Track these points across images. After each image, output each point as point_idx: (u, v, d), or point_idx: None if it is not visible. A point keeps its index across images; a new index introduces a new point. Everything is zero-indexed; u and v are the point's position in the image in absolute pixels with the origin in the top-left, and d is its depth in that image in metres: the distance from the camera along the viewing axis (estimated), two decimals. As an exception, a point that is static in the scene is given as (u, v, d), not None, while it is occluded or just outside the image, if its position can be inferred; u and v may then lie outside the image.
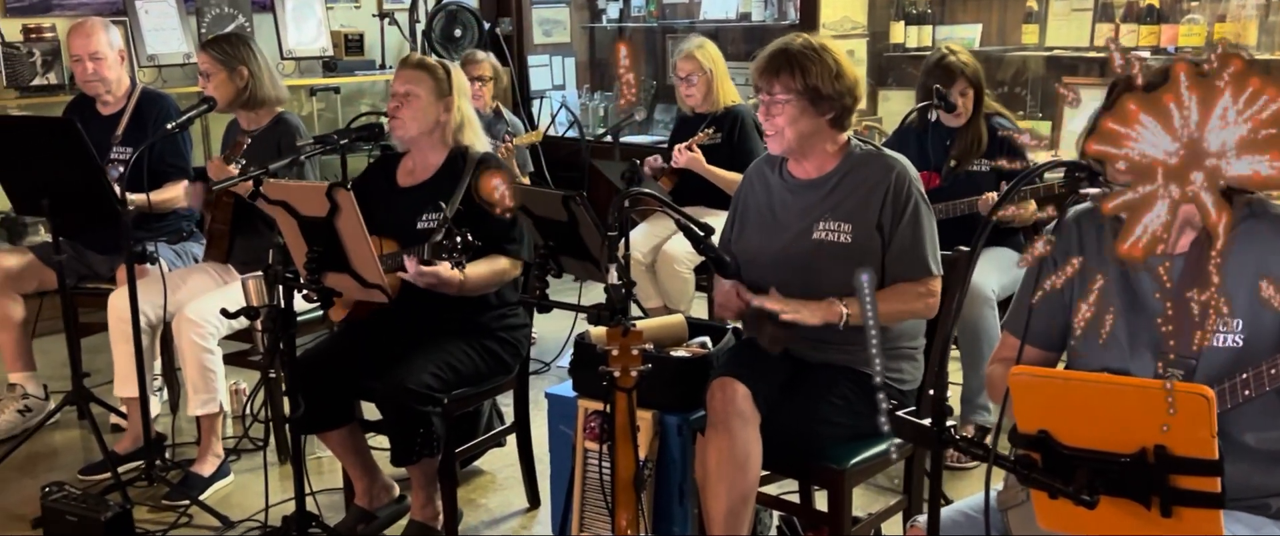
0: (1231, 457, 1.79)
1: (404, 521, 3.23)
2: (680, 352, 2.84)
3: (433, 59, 3.18)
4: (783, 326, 2.54)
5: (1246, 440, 1.82)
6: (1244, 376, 1.74)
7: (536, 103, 6.75)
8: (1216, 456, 1.44)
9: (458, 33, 6.31)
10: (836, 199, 2.63)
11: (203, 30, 5.70)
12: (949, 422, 1.62)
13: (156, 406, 3.95)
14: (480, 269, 2.98)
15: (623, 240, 3.96)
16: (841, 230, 2.60)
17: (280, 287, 2.70)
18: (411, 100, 3.09)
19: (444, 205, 2.93)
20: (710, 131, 4.40)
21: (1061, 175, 3.09)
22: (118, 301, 3.58)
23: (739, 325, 2.93)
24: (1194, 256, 1.85)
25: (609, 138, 5.07)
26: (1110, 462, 1.49)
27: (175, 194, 3.92)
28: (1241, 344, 1.80)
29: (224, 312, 2.88)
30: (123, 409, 3.88)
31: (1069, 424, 1.52)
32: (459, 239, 2.74)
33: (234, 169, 3.43)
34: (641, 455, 2.71)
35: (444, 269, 2.83)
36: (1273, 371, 1.71)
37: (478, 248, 2.80)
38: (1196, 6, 4.41)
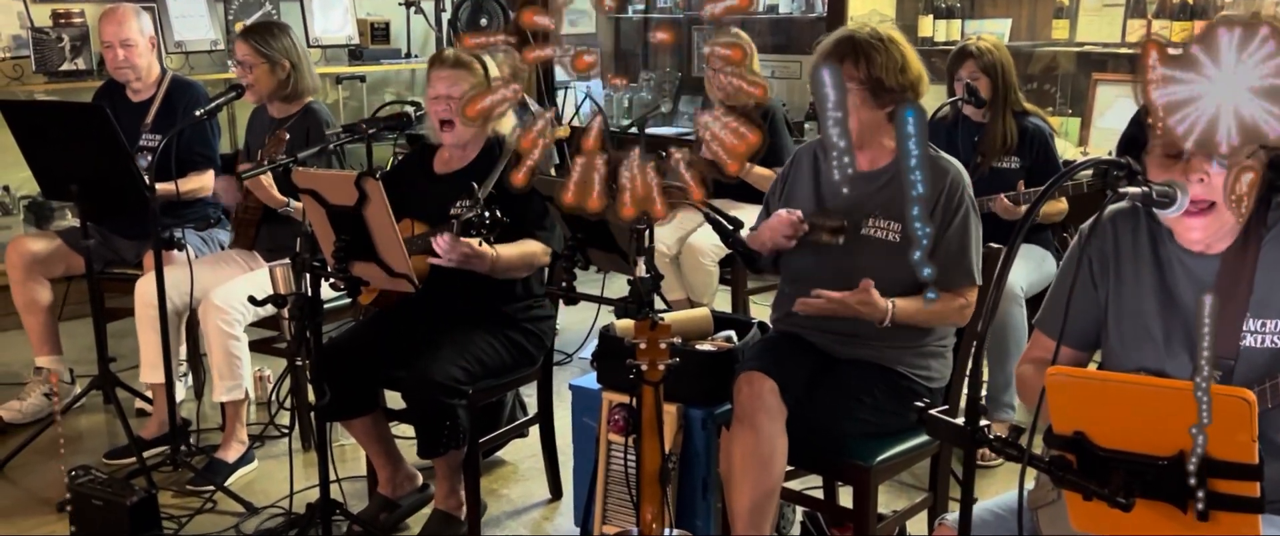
0: (1272, 459, 1.77)
1: (427, 510, 3.24)
2: (705, 346, 2.83)
3: (467, 54, 3.16)
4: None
5: (1283, 442, 1.80)
6: None
7: (561, 93, 6.74)
8: (1256, 461, 1.42)
9: (484, 21, 6.30)
10: (888, 195, 2.58)
11: (230, 17, 5.71)
12: (983, 422, 1.60)
13: (182, 392, 3.97)
14: (512, 250, 2.97)
15: (650, 232, 3.97)
16: (891, 229, 2.57)
17: (307, 276, 2.70)
18: (455, 101, 3.06)
19: (476, 185, 2.92)
20: (739, 124, 4.37)
21: (1089, 174, 3.08)
22: (144, 287, 3.60)
23: (764, 318, 2.92)
24: (1231, 257, 1.83)
25: (634, 129, 5.06)
26: (1147, 465, 1.48)
27: (202, 183, 3.93)
28: None
29: (251, 300, 2.89)
30: (148, 394, 3.90)
31: (1105, 425, 1.51)
32: (488, 215, 2.72)
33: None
34: (666, 448, 2.70)
35: (475, 243, 2.81)
36: None
37: (506, 225, 2.78)
38: (1231, 2, 4.36)
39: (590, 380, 2.99)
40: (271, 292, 2.84)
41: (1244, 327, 1.80)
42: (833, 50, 2.54)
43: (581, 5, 6.98)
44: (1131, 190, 1.71)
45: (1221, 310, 1.80)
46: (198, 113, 3.49)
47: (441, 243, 2.83)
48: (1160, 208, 1.76)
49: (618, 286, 3.99)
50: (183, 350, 3.98)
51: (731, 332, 2.92)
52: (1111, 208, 1.97)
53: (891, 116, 2.56)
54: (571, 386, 3.05)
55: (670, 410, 2.71)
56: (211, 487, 3.44)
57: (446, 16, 6.26)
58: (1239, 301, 1.80)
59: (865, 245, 2.57)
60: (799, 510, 3.05)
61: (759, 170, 4.23)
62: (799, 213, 2.58)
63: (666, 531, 2.36)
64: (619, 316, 2.40)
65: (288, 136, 3.58)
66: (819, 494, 3.02)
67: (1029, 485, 1.95)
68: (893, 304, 2.47)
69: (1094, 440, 1.51)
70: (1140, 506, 1.50)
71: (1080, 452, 1.52)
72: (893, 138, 2.61)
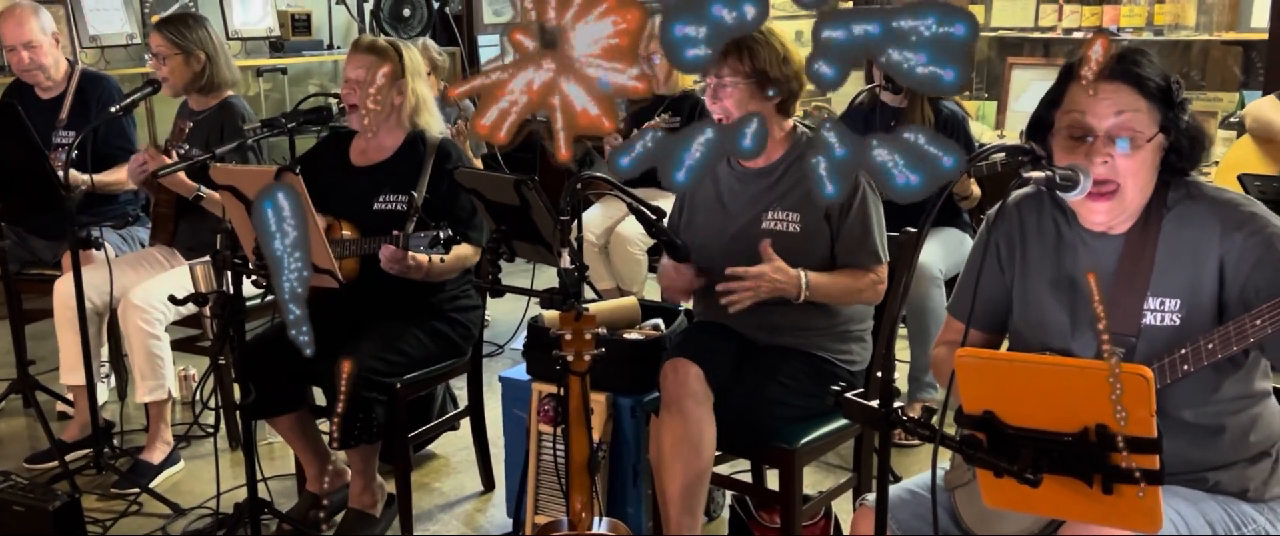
0: (1170, 433, 1.84)
1: (358, 506, 3.23)
2: (633, 335, 2.86)
3: (384, 40, 3.15)
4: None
5: (1184, 416, 1.87)
6: (1183, 352, 1.78)
7: (487, 83, 6.70)
8: (1156, 434, 1.48)
9: (406, 12, 6.26)
10: (784, 187, 2.65)
11: (146, 9, 5.60)
12: (896, 403, 1.64)
13: (104, 393, 3.91)
14: (449, 259, 2.97)
15: (575, 223, 3.99)
16: (790, 220, 2.62)
17: (228, 273, 2.67)
18: (367, 86, 3.05)
19: (413, 194, 2.92)
20: (667, 116, 4.40)
21: (1002, 156, 3.16)
22: (63, 288, 3.53)
23: (689, 306, 2.96)
24: (1133, 237, 1.89)
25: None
26: (1053, 442, 1.53)
27: (120, 176, 3.86)
28: (1180, 322, 1.84)
29: (172, 299, 2.86)
30: (69, 396, 3.84)
31: (1013, 404, 1.55)
32: (442, 235, 2.75)
33: (171, 158, 3.35)
34: (595, 438, 2.72)
35: (423, 259, 2.83)
36: (1210, 346, 1.75)
37: (456, 241, 2.80)
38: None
39: (520, 371, 3.00)
40: (192, 291, 2.81)
41: (1145, 306, 1.86)
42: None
43: (506, -5, 6.96)
44: (1035, 174, 1.76)
45: (1123, 289, 1.87)
46: (113, 108, 3.43)
47: (386, 255, 2.83)
48: (1064, 191, 1.81)
49: (548, 276, 4.00)
50: (104, 351, 3.91)
51: (659, 320, 2.95)
52: (1017, 192, 2.03)
53: (780, 107, 2.61)
54: (501, 378, 3.06)
55: (599, 399, 2.73)
56: (136, 490, 3.39)
57: (369, 7, 6.21)
58: (1140, 281, 1.86)
59: (767, 237, 2.61)
60: (728, 494, 3.09)
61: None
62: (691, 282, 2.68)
63: (596, 520, 2.38)
64: (546, 308, 2.41)
65: (189, 126, 3.53)
66: (747, 477, 3.07)
67: (946, 465, 2.01)
68: (804, 273, 2.54)
69: (1003, 419, 1.56)
70: (1048, 481, 1.55)
71: (990, 431, 1.57)
72: (782, 129, 2.66)
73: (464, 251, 3.03)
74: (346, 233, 2.98)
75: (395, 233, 2.82)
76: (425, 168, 3.03)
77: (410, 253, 2.82)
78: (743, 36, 2.57)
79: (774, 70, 2.57)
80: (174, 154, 3.35)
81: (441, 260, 2.87)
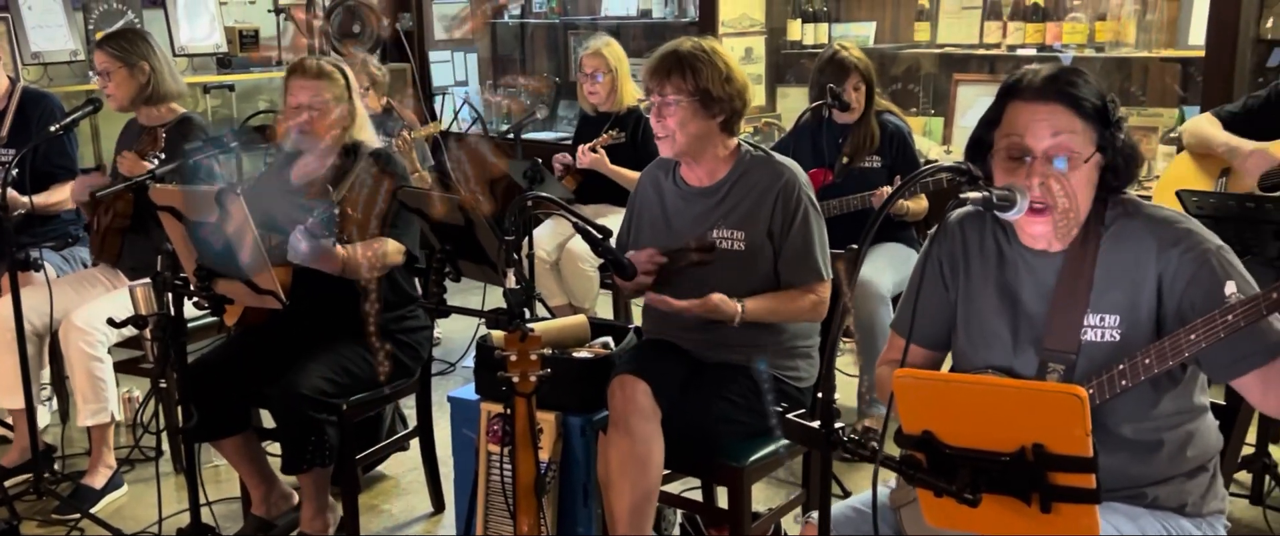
0: (1110, 449, 1.86)
1: (305, 530, 3.19)
2: (582, 353, 2.85)
3: (329, 63, 3.13)
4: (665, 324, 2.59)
5: (1124, 432, 1.89)
6: (1121, 367, 1.80)
7: (439, 98, 6.69)
8: (1091, 453, 1.49)
9: (356, 29, 6.22)
10: (729, 206, 2.66)
11: (91, 26, 5.52)
12: (838, 424, 1.65)
13: (45, 417, 3.84)
14: (363, 250, 2.94)
15: (524, 241, 3.98)
16: (735, 237, 2.63)
17: (170, 295, 2.64)
18: (319, 112, 3.03)
19: (332, 189, 2.90)
20: (614, 132, 4.41)
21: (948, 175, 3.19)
22: (1, 310, 3.46)
23: (639, 323, 2.95)
24: (1072, 255, 1.91)
25: (511, 135, 5.05)
26: (991, 461, 1.54)
27: (63, 196, 3.80)
28: (1119, 338, 1.86)
29: (110, 322, 2.81)
30: (9, 420, 3.76)
31: (951, 424, 1.56)
32: (336, 213, 2.71)
33: (150, 164, 3.33)
34: (545, 457, 2.71)
35: (334, 248, 2.78)
36: (1147, 361, 1.77)
37: (358, 223, 2.77)
38: (1079, 5, 4.55)
39: (469, 391, 2.98)
40: (133, 314, 2.77)
41: (1084, 323, 1.88)
42: (659, 66, 2.61)
43: (458, 11, 6.94)
44: (973, 195, 1.77)
45: (1063, 307, 1.89)
46: (53, 128, 3.39)
47: (292, 250, 2.79)
48: (1001, 211, 1.83)
49: (499, 295, 3.98)
50: (45, 373, 3.84)
51: (608, 339, 2.94)
52: (958, 211, 2.04)
53: (724, 126, 2.63)
54: (450, 398, 3.03)
55: (548, 418, 2.72)
56: (78, 515, 3.33)
57: (319, 24, 6.16)
58: (1079, 298, 1.88)
59: (715, 256, 2.63)
60: (678, 512, 3.08)
61: (631, 174, 4.27)
62: (651, 250, 2.66)
63: (544, 540, 2.37)
64: (491, 328, 2.40)
65: (164, 134, 3.49)
66: (697, 495, 3.07)
67: (891, 483, 2.02)
68: (742, 304, 2.56)
69: (942, 439, 1.57)
70: (987, 501, 1.56)
71: (929, 451, 1.58)
72: (726, 147, 2.68)
73: (385, 247, 3.00)
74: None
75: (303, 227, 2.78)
76: (352, 173, 3.02)
77: (312, 240, 2.77)
78: (686, 55, 2.59)
79: (717, 89, 2.58)
80: (146, 164, 3.32)
81: (338, 243, 2.80)
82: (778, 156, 2.71)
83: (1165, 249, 1.85)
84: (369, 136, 3.18)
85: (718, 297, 2.55)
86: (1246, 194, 3.13)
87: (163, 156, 3.35)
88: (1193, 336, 1.72)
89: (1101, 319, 1.88)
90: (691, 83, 2.57)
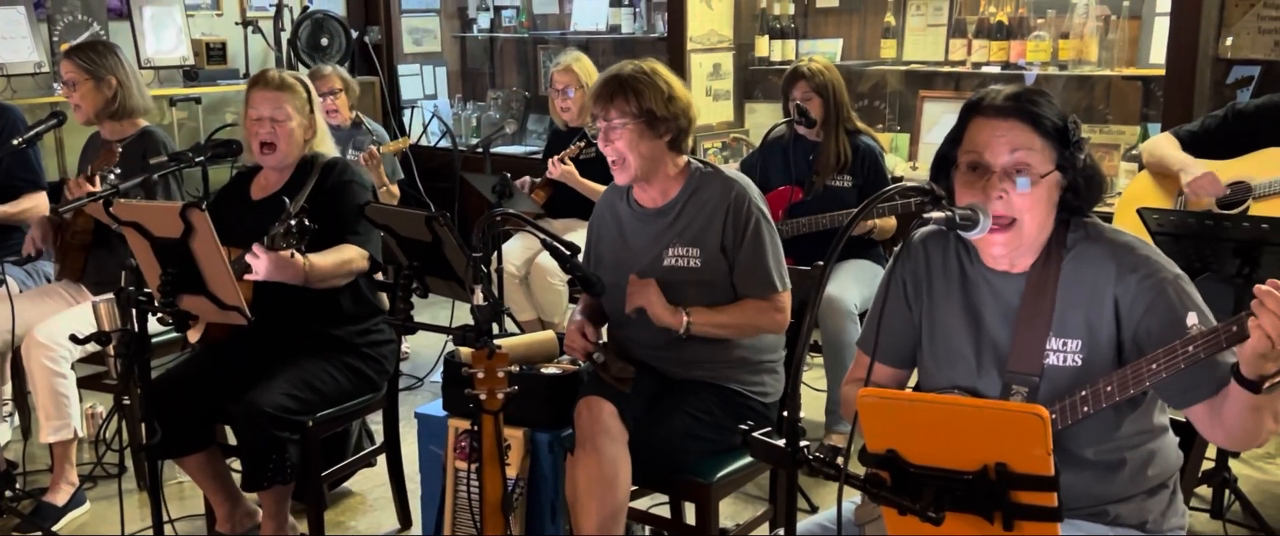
0: (1072, 469, 1.88)
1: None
2: (551, 369, 2.85)
3: (291, 76, 3.13)
4: (626, 360, 2.62)
5: (1086, 453, 1.91)
6: (1083, 394, 1.82)
7: (408, 112, 6.67)
8: (1052, 473, 1.50)
9: (324, 41, 6.20)
10: (683, 224, 2.68)
11: (55, 38, 5.47)
12: (803, 442, 1.66)
13: (6, 433, 3.79)
14: (325, 258, 2.92)
15: (493, 257, 3.97)
16: (691, 255, 2.65)
17: (133, 311, 2.61)
18: (281, 124, 3.03)
19: (288, 200, 2.88)
20: (582, 145, 4.41)
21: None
22: (-39, 325, 3.43)
23: (605, 340, 2.96)
24: (1034, 277, 1.93)
25: (480, 149, 5.05)
26: (955, 480, 1.55)
27: (31, 205, 3.77)
28: (1081, 362, 1.88)
29: (73, 338, 2.78)
30: (-31, 437, 3.71)
31: (915, 443, 1.58)
32: (294, 223, 2.69)
33: (96, 184, 3.30)
34: (512, 474, 2.71)
35: (284, 255, 2.77)
36: (1108, 389, 1.79)
37: (315, 231, 2.75)
38: (1043, 24, 4.61)
39: (436, 407, 2.97)
40: (96, 330, 2.74)
41: (1047, 346, 1.90)
42: (602, 91, 2.64)
43: (427, 24, 6.93)
44: (935, 215, 1.79)
45: (1025, 329, 1.91)
46: (16, 141, 3.36)
47: (253, 261, 2.78)
48: (964, 230, 1.85)
49: (466, 311, 3.98)
50: (7, 389, 3.80)
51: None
52: (922, 230, 2.06)
53: (671, 145, 2.65)
54: (417, 414, 3.02)
55: (516, 434, 2.72)
56: (40, 533, 3.29)
57: (286, 36, 6.14)
58: (1042, 321, 1.90)
59: (670, 273, 2.65)
60: (647, 529, 3.08)
61: (601, 188, 4.28)
62: (590, 346, 2.68)
63: (510, 558, 2.36)
64: (459, 345, 2.40)
65: (119, 150, 3.46)
66: (666, 511, 3.07)
67: (857, 499, 2.03)
68: (686, 313, 2.59)
69: (905, 457, 1.58)
70: (951, 519, 1.57)
71: (893, 470, 1.59)
72: (676, 166, 2.70)
73: (346, 253, 2.99)
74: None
75: (264, 237, 2.76)
76: (308, 184, 3.01)
77: (273, 251, 2.74)
78: (627, 78, 2.62)
79: (660, 108, 2.61)
80: (97, 181, 3.29)
81: (301, 254, 2.79)
82: (727, 170, 2.74)
83: (1124, 274, 1.87)
84: (328, 148, 3.19)
85: (660, 304, 2.57)
86: (1205, 211, 3.17)
87: (118, 172, 3.32)
88: (1155, 366, 1.74)
89: (1064, 343, 1.89)
90: (635, 104, 2.60)
